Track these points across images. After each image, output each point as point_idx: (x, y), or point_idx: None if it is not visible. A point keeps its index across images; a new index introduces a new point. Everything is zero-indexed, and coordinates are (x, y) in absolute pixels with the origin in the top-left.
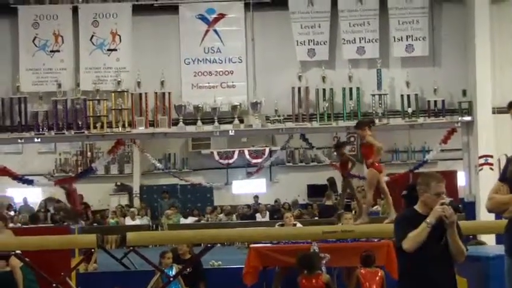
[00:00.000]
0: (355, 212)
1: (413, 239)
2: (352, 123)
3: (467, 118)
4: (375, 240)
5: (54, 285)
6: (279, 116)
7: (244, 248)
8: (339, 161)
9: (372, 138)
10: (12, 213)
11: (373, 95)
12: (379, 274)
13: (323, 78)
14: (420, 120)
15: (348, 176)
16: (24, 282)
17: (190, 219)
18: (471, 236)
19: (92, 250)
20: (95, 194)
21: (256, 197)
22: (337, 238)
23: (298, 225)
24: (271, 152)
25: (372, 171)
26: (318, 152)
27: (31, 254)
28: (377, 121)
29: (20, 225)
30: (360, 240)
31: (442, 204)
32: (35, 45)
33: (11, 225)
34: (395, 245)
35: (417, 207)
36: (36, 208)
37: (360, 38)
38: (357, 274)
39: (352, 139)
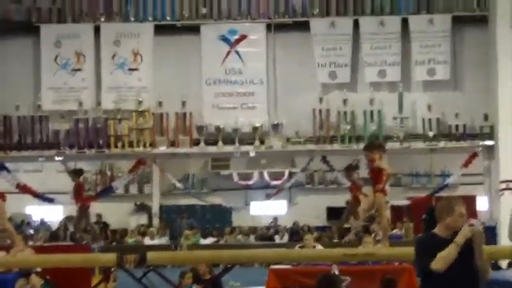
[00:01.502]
0: (375, 235)
1: (443, 259)
2: None
3: (489, 142)
4: (396, 263)
5: None
6: (299, 137)
7: (264, 269)
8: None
9: (382, 163)
10: (31, 231)
11: (394, 118)
12: None
13: (344, 101)
14: (442, 144)
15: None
16: None
17: (209, 240)
18: (492, 261)
19: (112, 269)
20: (114, 214)
21: (275, 218)
22: (358, 261)
23: (319, 247)
24: (290, 174)
25: (381, 196)
26: (339, 175)
27: (51, 272)
28: (397, 144)
29: (39, 243)
30: (381, 264)
31: (471, 225)
32: (57, 64)
33: (30, 243)
34: (419, 269)
35: (436, 230)
36: (54, 227)
37: (381, 61)
38: None
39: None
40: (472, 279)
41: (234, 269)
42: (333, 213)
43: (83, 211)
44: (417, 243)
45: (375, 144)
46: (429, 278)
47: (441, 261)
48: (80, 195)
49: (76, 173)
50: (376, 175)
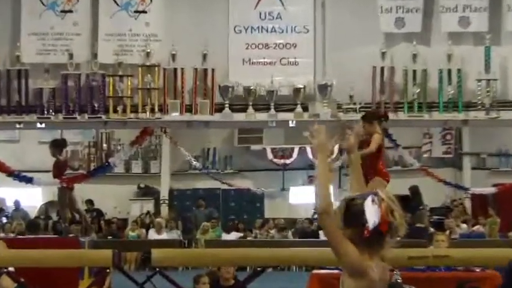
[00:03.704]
0: (450, 232)
1: None
2: (450, 115)
3: None
4: (477, 269)
5: None
6: (354, 103)
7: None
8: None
9: (380, 138)
10: (4, 219)
11: (479, 80)
12: None
13: (414, 56)
14: None
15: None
16: None
17: (234, 235)
18: None
19: (107, 270)
20: (111, 199)
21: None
22: (427, 265)
23: None
24: (341, 151)
25: (379, 181)
26: (405, 153)
27: (28, 272)
28: (482, 114)
29: (13, 235)
30: (457, 269)
31: None
32: (42, 3)
33: (1, 234)
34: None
35: None
36: (33, 214)
37: (464, 6)
38: None
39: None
40: None
41: (264, 273)
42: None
43: (64, 194)
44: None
45: (375, 112)
46: None
47: None
48: (60, 174)
49: (56, 145)
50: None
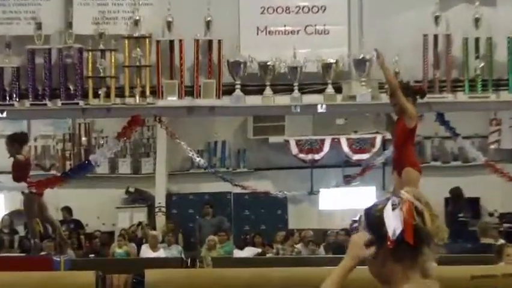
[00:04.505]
0: None
1: None
2: None
3: None
4: None
5: None
6: (401, 81)
7: None
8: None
9: (415, 115)
10: None
11: None
12: None
13: (476, 21)
14: None
15: None
16: None
17: (249, 251)
18: None
19: None
20: (92, 207)
21: (361, 217)
22: (494, 286)
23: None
24: (385, 143)
25: (412, 172)
26: (466, 144)
27: None
28: None
29: None
30: None
31: None
32: None
33: None
34: None
35: None
36: None
37: None
38: None
39: None
40: None
41: None
42: (456, 206)
43: (32, 201)
44: None
45: (408, 86)
46: None
47: None
48: (23, 176)
49: (14, 141)
50: (405, 134)
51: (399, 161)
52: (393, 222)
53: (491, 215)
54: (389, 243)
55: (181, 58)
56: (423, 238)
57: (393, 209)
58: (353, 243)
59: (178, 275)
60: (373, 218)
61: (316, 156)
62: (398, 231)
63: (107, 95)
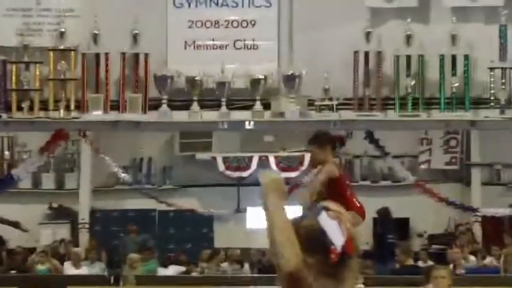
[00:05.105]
0: (455, 266)
1: None
2: (455, 115)
3: None
4: None
5: None
6: (330, 99)
7: None
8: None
9: (333, 168)
10: None
11: (492, 69)
12: None
13: (408, 38)
14: None
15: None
16: None
17: (173, 270)
18: None
19: None
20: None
21: None
22: None
23: (358, 285)
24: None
25: (355, 216)
26: (395, 163)
27: None
28: (495, 114)
29: None
30: None
31: None
32: None
33: None
34: None
35: None
36: None
37: None
38: None
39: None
40: None
41: None
42: (384, 227)
43: None
44: None
45: (329, 136)
46: None
47: None
48: None
49: None
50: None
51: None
52: (337, 235)
53: (420, 235)
54: (333, 256)
55: (106, 72)
56: (356, 251)
57: (331, 221)
58: (271, 179)
59: None
60: (314, 232)
61: (244, 174)
62: (342, 244)
63: (31, 108)
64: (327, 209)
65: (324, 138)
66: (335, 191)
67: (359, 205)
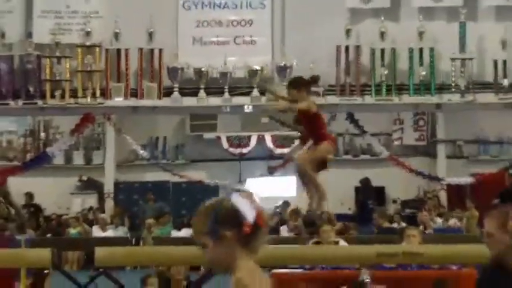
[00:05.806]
0: (424, 227)
1: None
2: (422, 99)
3: None
4: (454, 267)
5: None
6: (317, 86)
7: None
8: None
9: (310, 104)
10: None
11: (453, 60)
12: None
13: (382, 34)
14: None
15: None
16: None
17: (185, 232)
18: None
19: (45, 272)
20: (50, 193)
21: (284, 203)
22: (398, 263)
23: (342, 243)
24: None
25: (328, 145)
26: (373, 140)
27: None
28: (457, 97)
29: None
30: (432, 268)
31: None
32: None
33: None
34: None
35: None
36: None
37: None
38: None
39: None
40: None
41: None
42: (365, 195)
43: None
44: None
45: (303, 80)
46: None
47: None
48: None
49: None
50: (313, 119)
51: (313, 137)
52: (249, 210)
53: (394, 201)
54: (246, 228)
55: (126, 64)
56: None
57: (242, 198)
58: None
59: (123, 252)
60: (226, 210)
61: (244, 150)
62: (254, 217)
63: (63, 96)
64: (238, 191)
65: (300, 81)
66: (313, 123)
67: (330, 135)
